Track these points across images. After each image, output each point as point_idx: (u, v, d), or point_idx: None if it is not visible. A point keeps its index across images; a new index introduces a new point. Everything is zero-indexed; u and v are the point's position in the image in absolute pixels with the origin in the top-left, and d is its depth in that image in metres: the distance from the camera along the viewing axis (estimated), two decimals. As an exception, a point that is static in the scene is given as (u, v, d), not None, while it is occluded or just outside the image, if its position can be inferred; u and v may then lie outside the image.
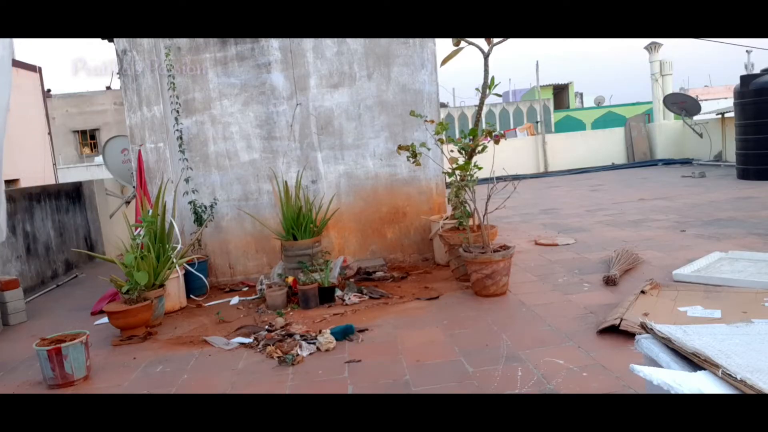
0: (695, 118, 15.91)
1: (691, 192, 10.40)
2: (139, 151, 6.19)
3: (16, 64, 13.78)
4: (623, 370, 3.17)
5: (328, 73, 6.37)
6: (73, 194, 8.67)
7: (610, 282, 4.89)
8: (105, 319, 4.95)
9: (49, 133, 15.67)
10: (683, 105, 15.90)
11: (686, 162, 16.25)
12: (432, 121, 5.94)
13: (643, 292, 4.36)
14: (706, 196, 9.66)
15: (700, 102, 16.33)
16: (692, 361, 1.52)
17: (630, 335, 3.57)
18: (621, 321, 3.71)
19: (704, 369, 1.46)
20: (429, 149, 5.80)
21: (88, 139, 26.50)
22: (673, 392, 1.31)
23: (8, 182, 13.83)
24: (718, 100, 23.98)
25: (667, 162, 16.77)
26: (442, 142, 5.59)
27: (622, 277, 5.04)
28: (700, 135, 15.83)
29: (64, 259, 7.93)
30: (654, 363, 1.64)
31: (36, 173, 15.82)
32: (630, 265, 5.33)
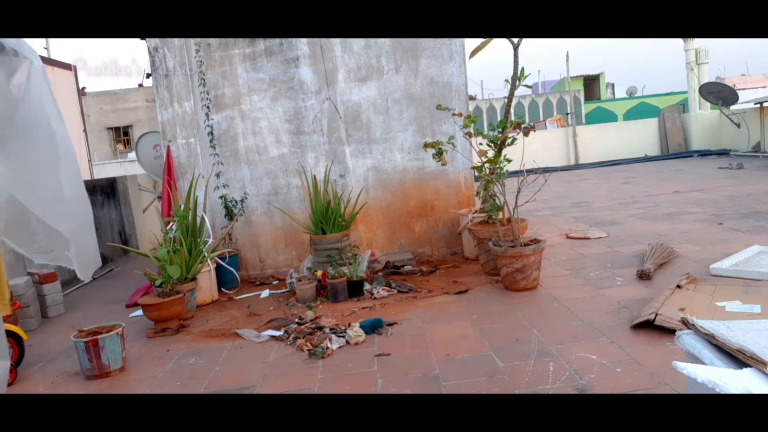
0: (732, 107, 15.41)
1: (729, 184, 10.09)
2: (168, 146, 6.28)
3: (53, 62, 14.10)
4: (658, 366, 3.10)
5: (356, 66, 6.36)
6: (108, 190, 8.87)
7: (644, 276, 4.78)
8: (139, 312, 5.06)
9: (84, 131, 16.04)
10: (720, 94, 15.40)
11: (723, 153, 15.77)
12: (460, 115, 5.87)
13: (679, 286, 4.25)
14: (744, 188, 9.36)
15: (737, 91, 15.80)
16: (736, 359, 1.47)
17: (665, 330, 3.49)
18: (656, 316, 3.62)
19: (749, 366, 1.41)
20: (455, 146, 5.75)
21: (122, 135, 27.07)
22: (718, 390, 1.27)
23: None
24: (756, 89, 23.22)
25: (703, 153, 16.30)
26: (470, 136, 5.53)
27: (657, 271, 4.93)
28: (738, 125, 15.34)
29: (99, 253, 8.10)
30: (695, 359, 1.59)
31: (72, 170, 16.08)
32: (665, 259, 5.20)
